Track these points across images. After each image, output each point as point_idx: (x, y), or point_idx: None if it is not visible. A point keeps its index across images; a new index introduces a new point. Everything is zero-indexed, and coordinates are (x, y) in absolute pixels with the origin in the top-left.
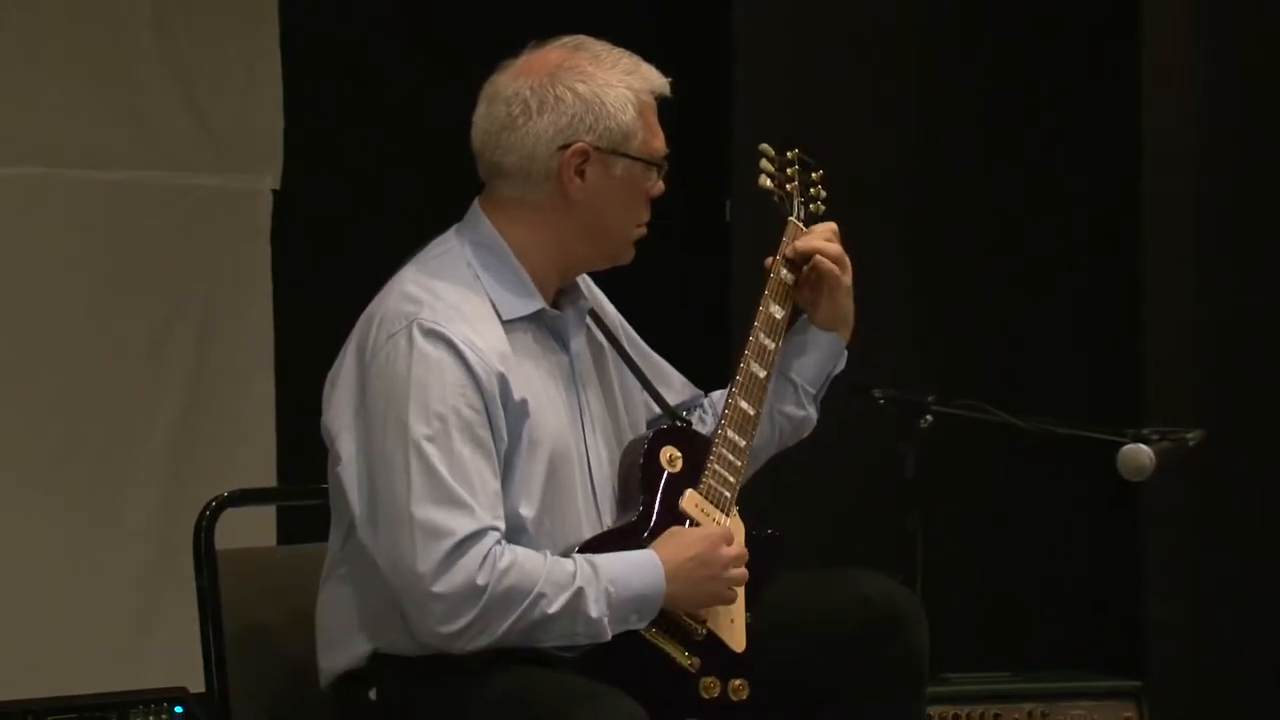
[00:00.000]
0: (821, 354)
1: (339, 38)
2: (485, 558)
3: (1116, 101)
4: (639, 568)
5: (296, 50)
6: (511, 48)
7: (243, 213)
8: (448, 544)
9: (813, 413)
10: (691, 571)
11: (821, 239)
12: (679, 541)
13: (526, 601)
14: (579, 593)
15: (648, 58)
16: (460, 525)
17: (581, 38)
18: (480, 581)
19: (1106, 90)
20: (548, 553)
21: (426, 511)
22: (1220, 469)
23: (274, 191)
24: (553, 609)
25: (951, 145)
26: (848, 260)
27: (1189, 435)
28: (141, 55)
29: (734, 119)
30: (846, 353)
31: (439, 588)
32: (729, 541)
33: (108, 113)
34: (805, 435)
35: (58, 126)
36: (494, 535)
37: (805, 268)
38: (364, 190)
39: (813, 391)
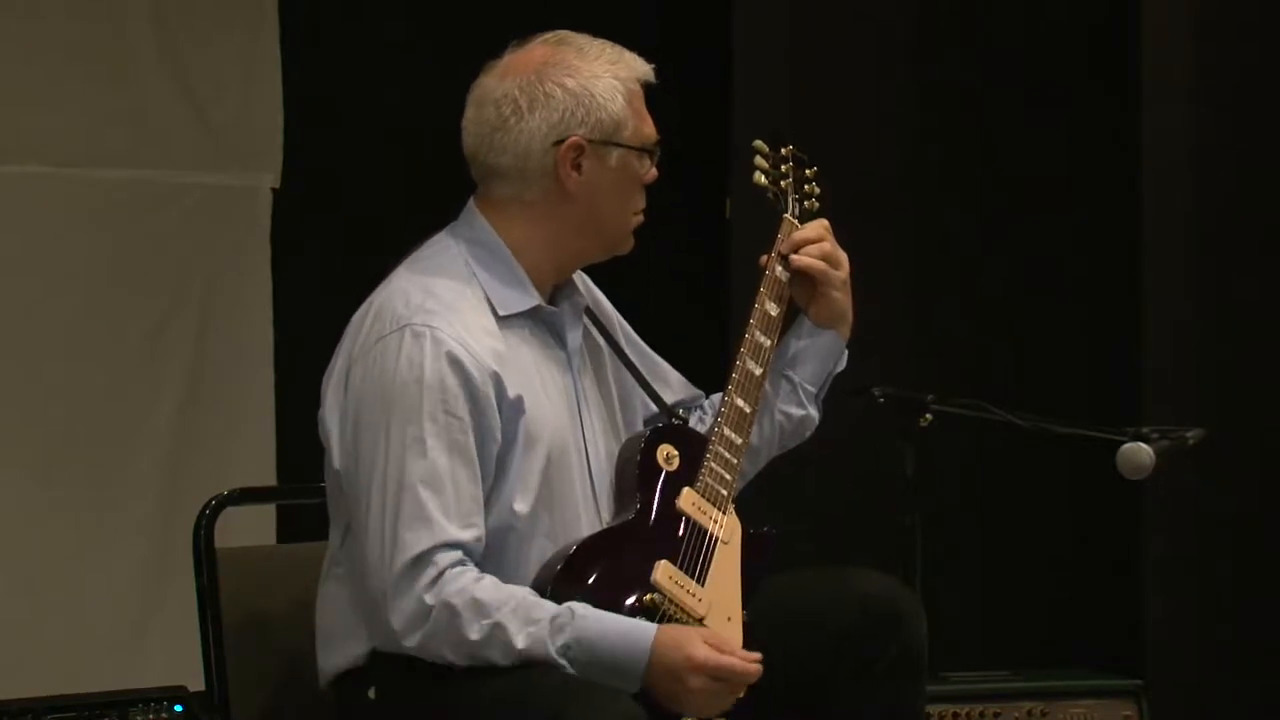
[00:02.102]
0: (820, 352)
1: (339, 37)
2: (437, 579)
3: (1116, 101)
4: (622, 636)
5: (296, 50)
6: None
7: (243, 211)
8: (403, 559)
9: (814, 412)
10: (671, 668)
11: (812, 235)
12: (684, 636)
13: (471, 634)
14: (533, 641)
15: (648, 58)
16: (418, 540)
17: (563, 32)
18: (428, 601)
19: (1106, 90)
20: (524, 589)
21: (391, 522)
22: (1220, 469)
23: (274, 190)
24: (501, 648)
25: (951, 145)
26: (842, 256)
27: (1189, 434)
28: (142, 54)
29: (733, 117)
30: (847, 352)
31: (393, 601)
32: (732, 675)
33: (108, 111)
34: (808, 435)
35: (58, 125)
36: (451, 554)
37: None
38: (364, 190)
39: (813, 390)
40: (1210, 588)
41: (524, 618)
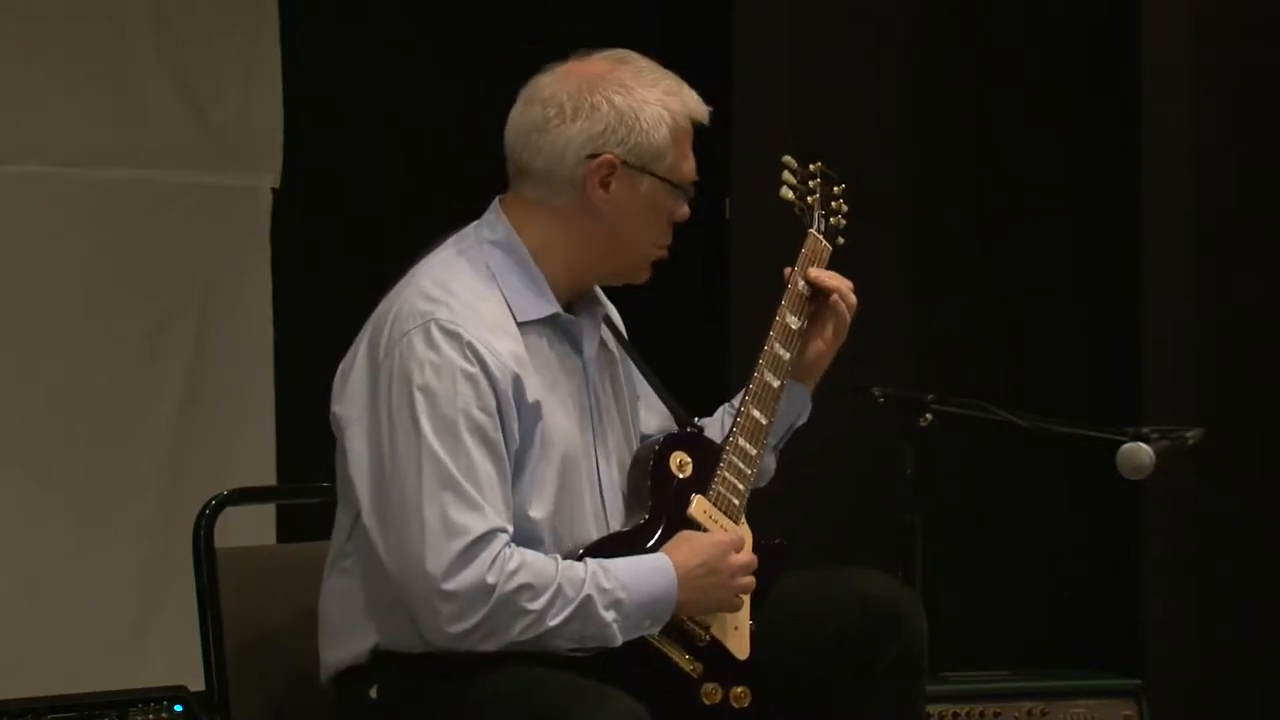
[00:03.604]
0: (788, 406)
1: (339, 37)
2: (495, 558)
3: (1116, 101)
4: (652, 573)
5: (296, 50)
6: (510, 48)
7: (242, 211)
8: (460, 543)
9: (770, 463)
10: (700, 579)
11: (847, 285)
12: (689, 547)
13: (536, 604)
14: (588, 599)
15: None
16: (474, 524)
17: (627, 52)
18: (490, 580)
19: (1106, 90)
20: (558, 557)
21: (439, 511)
22: (1220, 469)
23: (274, 190)
24: (565, 613)
25: (951, 145)
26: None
27: (1189, 434)
28: (142, 53)
29: (733, 117)
30: (811, 405)
31: (450, 586)
32: (738, 548)
33: (108, 111)
34: (763, 485)
35: (58, 124)
36: (504, 537)
37: (821, 297)
38: (364, 190)
39: (772, 442)
40: (1210, 588)
41: (569, 584)
